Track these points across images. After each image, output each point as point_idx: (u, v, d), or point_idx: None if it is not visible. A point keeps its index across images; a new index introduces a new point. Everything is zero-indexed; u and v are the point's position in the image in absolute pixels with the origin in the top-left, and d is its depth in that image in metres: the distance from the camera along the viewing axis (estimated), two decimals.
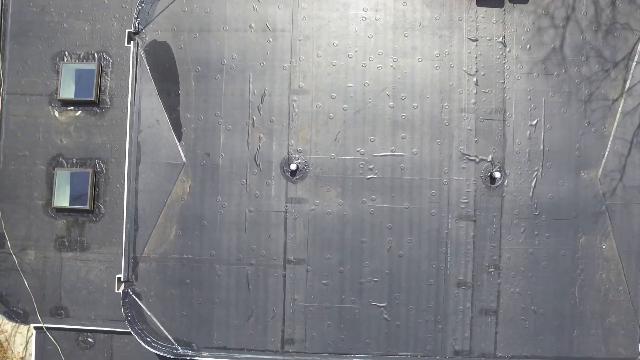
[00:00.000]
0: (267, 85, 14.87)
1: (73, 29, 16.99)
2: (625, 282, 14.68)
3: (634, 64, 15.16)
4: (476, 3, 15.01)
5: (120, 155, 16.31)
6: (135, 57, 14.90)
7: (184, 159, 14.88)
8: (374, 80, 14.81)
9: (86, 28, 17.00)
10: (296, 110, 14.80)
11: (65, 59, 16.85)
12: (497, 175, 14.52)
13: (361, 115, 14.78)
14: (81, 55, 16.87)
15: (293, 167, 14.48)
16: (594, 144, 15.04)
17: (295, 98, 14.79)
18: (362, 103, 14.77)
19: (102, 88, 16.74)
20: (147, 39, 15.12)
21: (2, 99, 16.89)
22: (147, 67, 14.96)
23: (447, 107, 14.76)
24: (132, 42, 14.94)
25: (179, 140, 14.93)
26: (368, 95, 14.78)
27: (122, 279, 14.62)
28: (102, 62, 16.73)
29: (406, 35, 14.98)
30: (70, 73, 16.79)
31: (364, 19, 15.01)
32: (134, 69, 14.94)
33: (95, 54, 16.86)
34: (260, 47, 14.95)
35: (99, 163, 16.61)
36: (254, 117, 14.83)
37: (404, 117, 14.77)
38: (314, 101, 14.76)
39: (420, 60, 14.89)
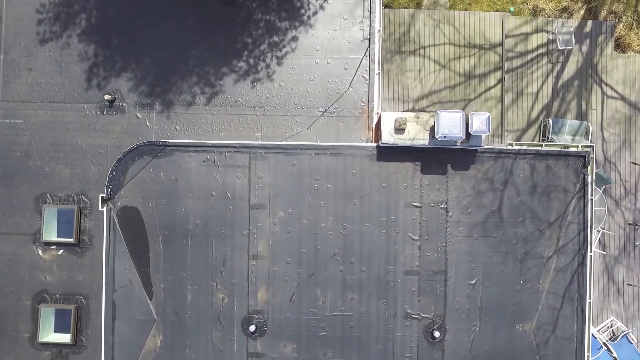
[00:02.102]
0: (228, 250, 16.30)
1: (54, 173, 18.32)
2: None
3: (567, 223, 16.41)
4: (421, 171, 16.20)
5: (100, 292, 17.88)
6: (109, 221, 16.30)
7: (155, 316, 16.47)
8: (326, 246, 16.17)
9: (66, 172, 18.31)
10: (255, 273, 16.27)
11: (47, 201, 18.24)
12: (437, 334, 16.03)
13: (314, 278, 16.23)
14: (62, 198, 18.25)
15: (252, 328, 16.05)
16: (529, 299, 16.44)
17: (254, 263, 16.23)
18: (314, 267, 16.20)
19: (82, 229, 18.16)
20: (119, 204, 16.48)
21: None
22: (120, 231, 16.38)
23: (392, 270, 16.16)
24: (105, 207, 16.30)
25: (150, 298, 16.48)
26: (320, 260, 16.19)
27: None
28: (81, 204, 18.11)
29: (355, 203, 16.25)
30: (52, 215, 18.22)
31: (316, 188, 16.27)
32: (108, 233, 16.37)
33: (75, 197, 18.23)
34: (221, 215, 16.31)
35: (80, 299, 18.21)
36: (217, 280, 16.31)
37: (352, 279, 16.21)
38: (271, 265, 16.20)
39: (368, 226, 16.21)
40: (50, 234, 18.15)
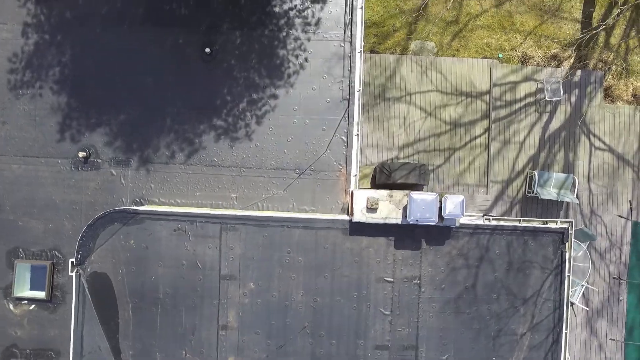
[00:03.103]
0: (197, 319, 16.15)
1: (28, 227, 18.16)
2: None
3: (542, 300, 16.19)
4: (394, 246, 15.97)
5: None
6: (78, 286, 16.16)
7: None
8: (295, 318, 16.01)
9: (40, 227, 18.14)
10: (224, 343, 16.13)
11: (20, 256, 18.10)
12: None
13: (283, 350, 16.08)
14: (35, 253, 18.10)
15: None
16: None
17: (223, 333, 16.09)
18: (284, 339, 16.05)
19: (55, 284, 18.03)
20: (88, 269, 16.33)
21: None
22: (89, 296, 16.24)
23: (362, 344, 16.00)
24: (74, 272, 16.15)
25: None
26: (290, 332, 16.02)
27: None
28: (54, 260, 17.96)
29: (326, 277, 16.06)
30: (25, 270, 18.09)
31: (287, 260, 16.06)
32: (77, 297, 16.23)
33: (48, 252, 18.07)
34: (191, 284, 16.15)
35: (51, 354, 18.12)
36: (186, 348, 16.18)
37: (322, 352, 16.06)
38: (240, 336, 16.05)
39: (338, 300, 16.02)
40: (22, 289, 18.04)
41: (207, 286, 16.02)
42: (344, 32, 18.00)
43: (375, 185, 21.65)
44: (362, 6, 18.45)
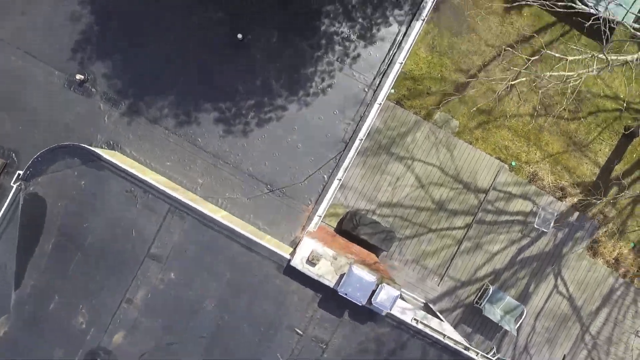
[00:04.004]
0: (109, 282, 15.96)
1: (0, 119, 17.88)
2: None
3: None
4: (318, 303, 15.78)
5: None
6: (13, 199, 15.96)
7: (11, 309, 16.24)
8: (198, 325, 15.89)
9: (9, 124, 17.90)
10: (121, 316, 16.03)
11: None
12: None
13: (172, 347, 15.94)
14: None
15: None
16: None
17: (126, 306, 15.96)
18: (178, 338, 15.92)
19: None
20: (31, 188, 16.12)
21: None
22: (20, 213, 16.05)
23: None
24: (16, 184, 15.95)
25: (15, 289, 16.22)
26: (186, 335, 15.90)
27: None
28: (8, 161, 17.73)
29: (243, 301, 15.88)
30: None
31: (214, 268, 15.87)
32: (7, 209, 16.05)
33: (6, 151, 17.85)
34: (118, 248, 15.96)
35: None
36: (85, 304, 16.04)
37: None
38: (140, 316, 15.92)
39: (245, 327, 15.88)
40: None
41: (131, 256, 15.82)
42: (374, 79, 17.67)
43: (340, 227, 21.44)
44: (402, 62, 18.12)
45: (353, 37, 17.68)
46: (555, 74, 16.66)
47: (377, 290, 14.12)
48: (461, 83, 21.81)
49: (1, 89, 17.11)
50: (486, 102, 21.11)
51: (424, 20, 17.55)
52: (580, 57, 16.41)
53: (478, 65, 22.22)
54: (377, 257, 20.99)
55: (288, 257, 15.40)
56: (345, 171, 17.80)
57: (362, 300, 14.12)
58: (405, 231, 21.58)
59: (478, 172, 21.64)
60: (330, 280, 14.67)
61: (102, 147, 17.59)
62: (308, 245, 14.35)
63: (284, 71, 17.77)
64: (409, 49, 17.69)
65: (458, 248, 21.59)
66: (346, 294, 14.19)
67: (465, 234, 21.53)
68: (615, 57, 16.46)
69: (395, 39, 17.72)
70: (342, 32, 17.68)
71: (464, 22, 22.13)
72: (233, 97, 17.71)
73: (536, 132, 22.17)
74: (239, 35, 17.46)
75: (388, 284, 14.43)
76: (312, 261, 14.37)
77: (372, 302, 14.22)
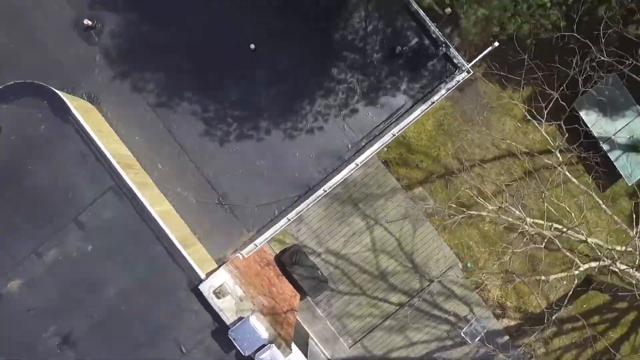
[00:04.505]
0: (11, 235, 15.89)
1: None
2: None
3: None
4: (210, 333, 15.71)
5: None
6: None
7: None
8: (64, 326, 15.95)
9: (5, 39, 17.71)
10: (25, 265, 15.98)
11: None
12: None
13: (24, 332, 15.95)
14: None
15: None
16: None
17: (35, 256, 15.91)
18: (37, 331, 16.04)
19: None
20: None
21: None
22: None
23: None
24: None
25: None
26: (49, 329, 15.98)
27: None
28: None
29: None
30: None
31: (116, 270, 15.83)
32: None
33: None
34: (40, 205, 15.94)
35: None
36: None
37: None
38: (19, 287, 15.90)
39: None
40: None
41: (58, 215, 15.79)
42: (361, 140, 17.46)
43: (280, 255, 21.32)
44: (385, 149, 17.83)
45: (358, 90, 17.43)
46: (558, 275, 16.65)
47: (265, 348, 14.00)
48: (452, 170, 21.53)
49: (9, 11, 16.82)
50: (468, 199, 20.79)
51: (433, 103, 17.24)
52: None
53: (477, 159, 21.92)
54: (303, 299, 20.89)
55: (202, 277, 15.29)
56: (298, 214, 17.63)
57: (246, 351, 14.04)
58: (340, 285, 21.46)
59: (432, 260, 21.43)
60: (228, 318, 14.59)
61: (82, 96, 17.47)
62: (221, 277, 14.28)
63: (283, 96, 17.54)
64: (406, 125, 17.41)
65: (382, 322, 21.46)
66: (234, 339, 14.10)
67: (395, 312, 21.38)
68: None
69: (396, 111, 17.44)
70: (350, 82, 17.42)
71: (481, 112, 21.80)
72: (224, 102, 17.53)
73: (502, 237, 21.87)
74: (252, 46, 17.23)
75: (280, 345, 14.32)
76: (218, 294, 14.27)
77: (256, 356, 14.13)
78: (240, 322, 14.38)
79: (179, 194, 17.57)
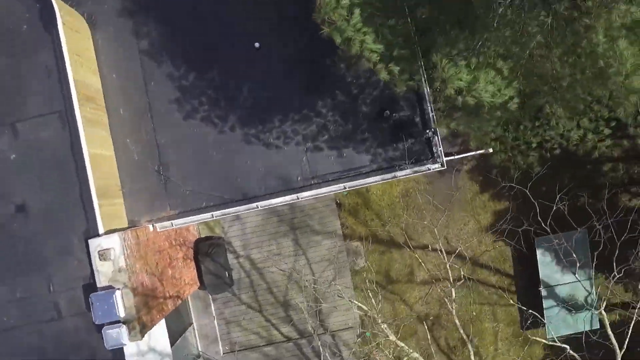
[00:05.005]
0: None
1: None
2: None
3: None
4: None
5: None
6: None
7: None
8: None
9: None
10: None
11: None
12: None
13: None
14: None
15: None
16: None
17: None
18: None
19: None
20: None
21: None
22: None
23: None
24: None
25: None
26: None
27: None
28: None
29: None
30: None
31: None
32: None
33: None
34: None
35: None
36: None
37: None
38: None
39: None
40: None
41: None
42: (310, 180, 17.37)
43: (200, 241, 21.37)
44: (345, 192, 17.76)
45: (332, 131, 17.32)
46: None
47: (116, 325, 14.09)
48: (396, 242, 21.46)
49: None
50: (397, 275, 20.65)
51: (395, 177, 17.12)
52: None
53: (423, 243, 21.82)
54: (203, 289, 20.91)
55: (99, 232, 15.36)
56: (224, 215, 17.66)
57: (97, 320, 14.15)
58: (243, 295, 21.52)
59: (336, 311, 21.40)
60: (101, 281, 14.68)
61: (82, 14, 17.47)
62: (112, 242, 14.35)
63: (263, 100, 17.48)
64: (361, 185, 17.38)
65: (264, 346, 21.51)
66: (92, 303, 14.20)
67: (279, 342, 21.41)
68: None
69: (356, 169, 17.35)
70: (328, 119, 17.35)
71: (450, 203, 21.65)
72: (208, 81, 17.53)
73: (414, 329, 21.80)
74: (257, 44, 17.16)
75: (133, 328, 14.42)
76: (101, 256, 14.34)
77: (103, 329, 14.23)
78: (106, 290, 14.43)
79: (125, 146, 17.64)
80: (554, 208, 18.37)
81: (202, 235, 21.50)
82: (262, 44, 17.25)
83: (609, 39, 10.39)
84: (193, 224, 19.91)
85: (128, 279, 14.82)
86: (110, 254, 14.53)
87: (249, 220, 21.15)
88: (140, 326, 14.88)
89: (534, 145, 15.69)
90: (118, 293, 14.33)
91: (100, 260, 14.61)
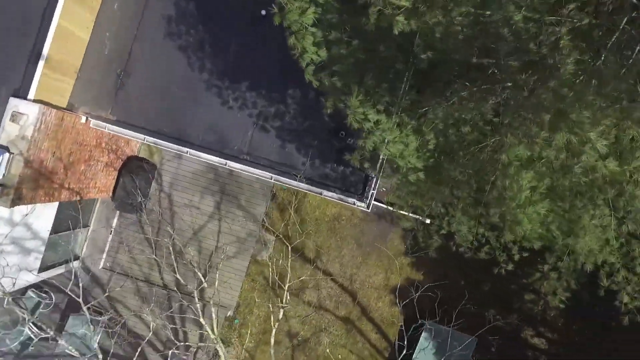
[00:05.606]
0: None
1: None
2: None
3: None
4: None
5: None
6: None
7: None
8: None
9: None
10: None
11: None
12: None
13: None
14: None
15: None
16: None
17: None
18: None
19: None
20: None
21: None
22: None
23: None
24: None
25: None
26: None
27: None
28: None
29: None
30: None
31: None
32: None
33: None
34: None
35: None
36: None
37: None
38: None
39: None
40: None
41: None
42: (244, 153, 17.44)
43: (133, 159, 21.53)
44: (284, 186, 17.82)
45: (287, 119, 17.43)
46: None
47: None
48: (304, 254, 21.52)
49: None
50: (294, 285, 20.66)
51: (321, 194, 17.19)
52: None
53: (329, 270, 21.87)
54: (108, 197, 21.11)
55: (28, 97, 15.55)
56: (155, 144, 17.81)
57: None
58: (146, 226, 21.67)
59: (220, 285, 21.48)
60: (1, 138, 14.90)
61: None
62: (29, 110, 14.55)
63: (247, 65, 17.53)
64: (287, 185, 17.47)
65: (139, 280, 21.69)
66: None
67: (154, 285, 21.60)
68: None
69: (288, 167, 17.42)
70: (289, 108, 17.52)
71: (372, 249, 21.68)
72: (205, 23, 17.58)
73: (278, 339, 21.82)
74: (263, 12, 17.24)
75: (7, 194, 14.60)
76: (13, 117, 14.55)
77: None
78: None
79: (102, 38, 17.79)
80: (462, 302, 18.34)
81: (140, 156, 21.65)
82: (269, 14, 17.15)
83: (517, 168, 10.34)
84: (134, 140, 20.06)
85: (27, 149, 15.00)
86: (22, 119, 14.71)
87: (188, 165, 21.32)
88: (14, 195, 15.07)
89: (443, 231, 15.57)
90: (8, 156, 14.51)
91: (10, 120, 14.79)
